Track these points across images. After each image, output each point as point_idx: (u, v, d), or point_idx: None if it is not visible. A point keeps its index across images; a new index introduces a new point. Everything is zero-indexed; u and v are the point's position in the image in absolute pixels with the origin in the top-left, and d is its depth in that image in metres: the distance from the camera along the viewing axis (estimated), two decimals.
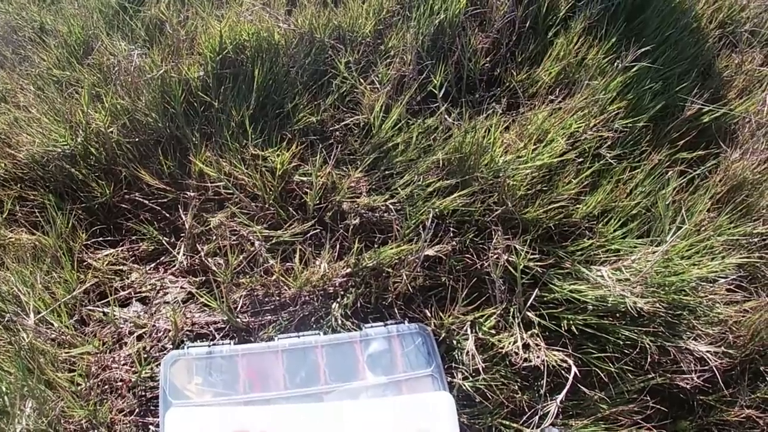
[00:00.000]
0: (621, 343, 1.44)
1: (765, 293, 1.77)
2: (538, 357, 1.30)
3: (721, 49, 2.36)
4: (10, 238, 1.65)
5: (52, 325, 1.46)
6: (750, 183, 1.89)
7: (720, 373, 1.50)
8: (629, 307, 1.33)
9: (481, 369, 1.29)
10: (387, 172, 1.63)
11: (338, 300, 1.46)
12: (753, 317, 1.62)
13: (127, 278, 1.62)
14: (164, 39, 1.89)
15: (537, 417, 1.30)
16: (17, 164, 1.77)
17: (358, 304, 1.46)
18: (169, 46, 1.85)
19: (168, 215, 1.72)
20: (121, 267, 1.63)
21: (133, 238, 1.70)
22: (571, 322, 1.42)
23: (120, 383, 1.41)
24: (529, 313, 1.42)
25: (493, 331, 1.38)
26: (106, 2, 2.11)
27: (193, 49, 1.86)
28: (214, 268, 1.49)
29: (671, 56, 2.02)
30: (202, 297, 1.46)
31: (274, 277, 1.46)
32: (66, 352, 1.43)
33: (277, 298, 1.47)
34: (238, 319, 1.44)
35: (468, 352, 1.30)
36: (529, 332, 1.40)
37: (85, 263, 1.63)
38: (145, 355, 1.43)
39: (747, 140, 2.04)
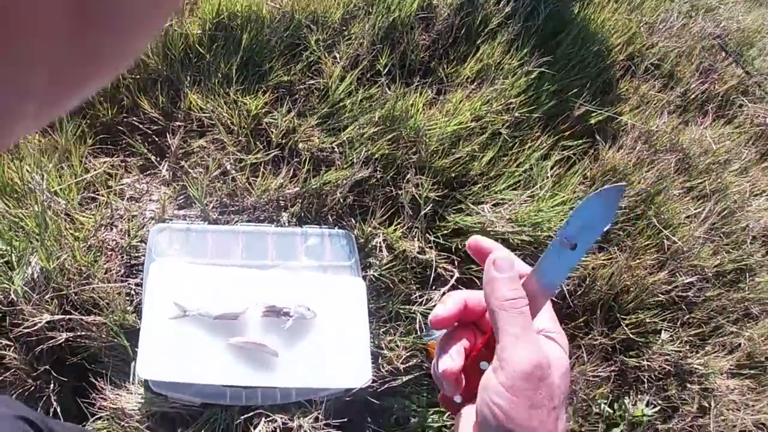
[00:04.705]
0: None
1: (619, 252, 2.30)
2: (429, 257, 1.78)
3: (623, 75, 2.93)
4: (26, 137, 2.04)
5: (60, 203, 1.87)
6: (620, 172, 2.43)
7: (569, 297, 2.01)
8: (498, 231, 1.83)
9: (386, 256, 1.77)
10: (336, 124, 2.11)
11: (287, 209, 1.92)
12: (606, 271, 2.15)
13: (121, 180, 2.03)
14: None
15: (424, 299, 1.78)
16: None
17: (302, 214, 1.92)
18: None
19: (157, 139, 2.14)
20: (116, 172, 2.05)
21: (127, 152, 2.12)
22: (460, 244, 1.91)
23: (111, 250, 1.83)
24: (428, 235, 1.91)
25: (398, 238, 1.86)
26: None
27: (193, 12, 2.31)
28: (195, 175, 1.93)
29: (573, 70, 2.56)
30: (189, 188, 1.89)
31: (241, 184, 1.90)
32: (72, 219, 1.83)
33: (241, 202, 1.91)
34: (210, 214, 1.88)
35: (378, 247, 1.78)
36: (427, 246, 1.88)
37: (86, 166, 2.04)
38: (133, 233, 1.85)
39: (626, 143, 2.59)
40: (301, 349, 1.67)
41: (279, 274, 1.73)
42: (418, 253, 1.81)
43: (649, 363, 2.23)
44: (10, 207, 1.82)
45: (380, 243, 1.84)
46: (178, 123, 2.11)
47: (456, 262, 1.90)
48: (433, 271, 1.84)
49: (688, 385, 2.33)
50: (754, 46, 3.62)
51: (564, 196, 2.06)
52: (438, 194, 1.96)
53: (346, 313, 1.73)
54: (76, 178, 1.92)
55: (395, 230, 1.87)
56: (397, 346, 1.79)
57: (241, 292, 1.66)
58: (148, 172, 2.09)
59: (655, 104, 2.86)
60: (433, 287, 1.86)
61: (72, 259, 1.73)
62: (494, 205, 1.97)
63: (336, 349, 1.69)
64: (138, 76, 2.17)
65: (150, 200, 1.97)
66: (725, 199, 2.72)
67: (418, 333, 1.80)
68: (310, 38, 2.27)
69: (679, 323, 2.38)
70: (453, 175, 2.04)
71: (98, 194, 1.92)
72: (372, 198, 1.96)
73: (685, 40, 3.29)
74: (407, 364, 1.78)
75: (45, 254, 1.70)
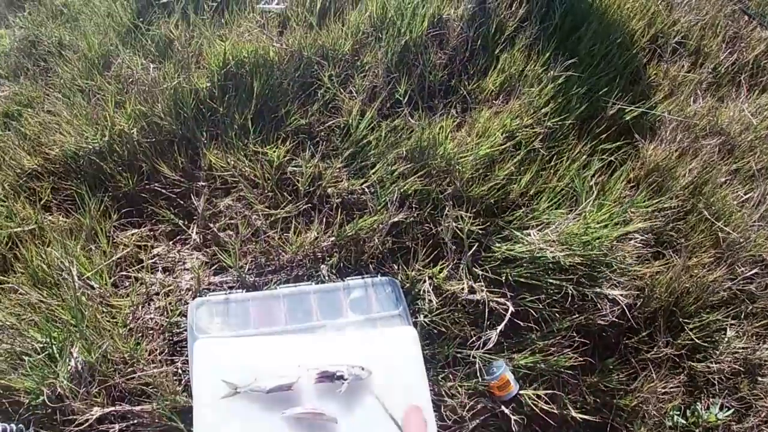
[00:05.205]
0: (550, 290, 1.84)
1: (674, 254, 2.18)
2: (480, 296, 1.69)
3: (651, 60, 2.80)
4: (50, 219, 1.99)
5: (93, 287, 1.81)
6: (664, 168, 2.30)
7: (629, 311, 1.91)
8: (548, 257, 1.72)
9: (435, 302, 1.68)
10: (362, 163, 2.02)
11: (325, 262, 1.84)
12: (664, 277, 2.03)
13: (151, 252, 1.97)
14: (174, 54, 2.26)
15: (481, 342, 1.69)
16: (48, 160, 2.11)
17: (341, 264, 1.84)
18: (179, 60, 2.21)
19: (182, 202, 2.07)
20: (145, 243, 1.99)
21: (154, 221, 2.05)
22: (510, 274, 1.82)
23: (152, 330, 1.77)
24: (475, 269, 1.82)
25: (445, 279, 1.77)
26: (120, 21, 2.46)
27: (199, 63, 2.24)
28: (225, 238, 1.86)
29: (599, 67, 2.44)
30: (220, 255, 1.82)
31: (274, 242, 1.83)
32: (107, 304, 1.78)
33: (277, 260, 1.84)
34: (247, 277, 1.80)
35: (425, 291, 1.69)
36: (476, 283, 1.79)
37: (114, 242, 1.97)
38: (171, 308, 1.79)
39: (665, 135, 2.46)
40: (361, 411, 1.59)
41: (327, 335, 1.65)
42: (469, 293, 1.72)
43: (718, 365, 2.12)
44: (44, 297, 1.77)
45: (427, 288, 1.75)
46: (200, 183, 2.05)
47: (508, 295, 1.81)
48: (486, 306, 1.75)
49: (760, 379, 2.21)
50: None
51: (610, 207, 1.95)
52: (480, 226, 1.86)
53: (401, 365, 1.64)
54: (105, 258, 1.86)
55: (440, 270, 1.78)
56: (458, 392, 1.71)
57: (291, 360, 1.58)
58: (178, 238, 2.02)
59: (687, 86, 2.73)
60: (489, 323, 1.77)
61: (113, 346, 1.67)
62: (540, 228, 1.87)
63: (396, 405, 1.61)
64: (153, 140, 2.10)
65: (184, 269, 1.90)
66: None
67: (478, 377, 1.71)
68: (322, 75, 2.19)
69: (743, 316, 2.26)
70: (492, 201, 1.94)
71: (130, 271, 1.86)
72: (411, 238, 1.88)
73: (707, 11, 3.15)
74: (473, 411, 1.69)
75: (86, 345, 1.65)
